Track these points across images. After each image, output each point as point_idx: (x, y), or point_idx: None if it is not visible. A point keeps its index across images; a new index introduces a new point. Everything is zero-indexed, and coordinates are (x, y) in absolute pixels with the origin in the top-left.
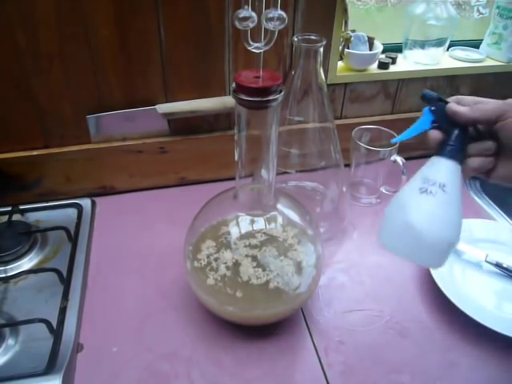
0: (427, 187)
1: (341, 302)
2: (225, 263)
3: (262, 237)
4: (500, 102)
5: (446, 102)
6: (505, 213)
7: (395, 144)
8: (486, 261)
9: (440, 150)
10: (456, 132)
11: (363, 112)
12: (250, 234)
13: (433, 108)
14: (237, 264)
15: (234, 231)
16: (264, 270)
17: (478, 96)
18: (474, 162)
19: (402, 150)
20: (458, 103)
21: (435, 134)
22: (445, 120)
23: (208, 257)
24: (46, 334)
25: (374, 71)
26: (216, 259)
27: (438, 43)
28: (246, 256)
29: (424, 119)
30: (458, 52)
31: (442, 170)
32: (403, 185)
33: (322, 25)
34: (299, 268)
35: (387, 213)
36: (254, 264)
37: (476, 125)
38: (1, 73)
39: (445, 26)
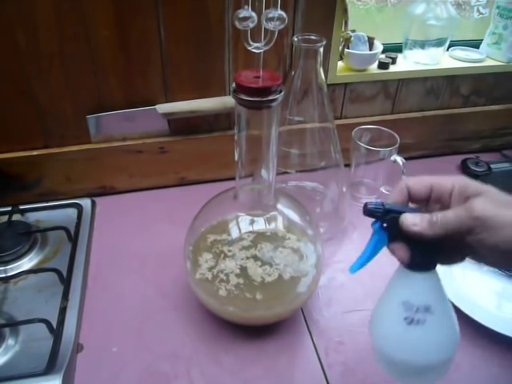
0: (412, 316)
1: (341, 302)
2: (232, 272)
3: (249, 236)
4: (461, 211)
5: (399, 213)
6: None
7: (395, 144)
8: None
9: (410, 263)
10: (421, 244)
11: (363, 112)
12: (239, 238)
13: (385, 224)
14: (243, 269)
15: (227, 235)
16: (271, 265)
17: (477, 96)
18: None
19: (402, 150)
20: (413, 197)
21: (401, 253)
22: (403, 233)
23: (210, 270)
24: (46, 333)
25: (374, 71)
26: (221, 271)
27: (438, 43)
28: (247, 258)
29: (377, 238)
30: (458, 52)
31: (420, 289)
32: None
33: (322, 25)
34: (300, 255)
35: (373, 339)
36: (259, 263)
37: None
38: (1, 73)
39: (445, 26)
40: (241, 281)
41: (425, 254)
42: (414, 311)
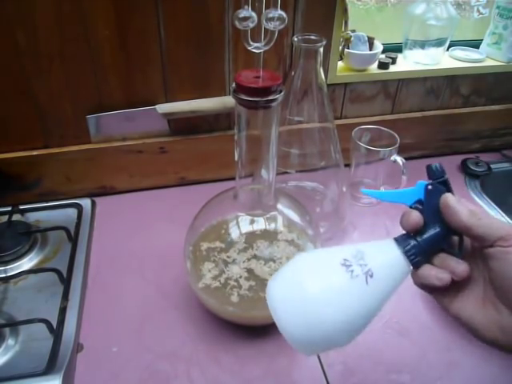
0: (353, 263)
1: None
2: (241, 277)
3: (242, 238)
4: (507, 225)
5: (449, 190)
6: (505, 213)
7: (395, 144)
8: None
9: (401, 237)
10: (434, 230)
11: (363, 112)
12: (232, 243)
13: (430, 187)
14: (250, 271)
15: (220, 242)
16: (274, 261)
17: (477, 96)
18: (430, 275)
19: (402, 150)
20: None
21: (416, 218)
22: (432, 208)
23: (216, 278)
24: (46, 334)
25: (374, 71)
26: (229, 278)
27: (438, 43)
28: (248, 260)
29: (412, 192)
30: (458, 52)
31: (385, 257)
32: (403, 185)
33: (322, 25)
34: (296, 245)
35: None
36: (262, 262)
37: (465, 233)
38: (1, 73)
39: (445, 26)
40: (252, 283)
41: (426, 239)
42: (359, 263)
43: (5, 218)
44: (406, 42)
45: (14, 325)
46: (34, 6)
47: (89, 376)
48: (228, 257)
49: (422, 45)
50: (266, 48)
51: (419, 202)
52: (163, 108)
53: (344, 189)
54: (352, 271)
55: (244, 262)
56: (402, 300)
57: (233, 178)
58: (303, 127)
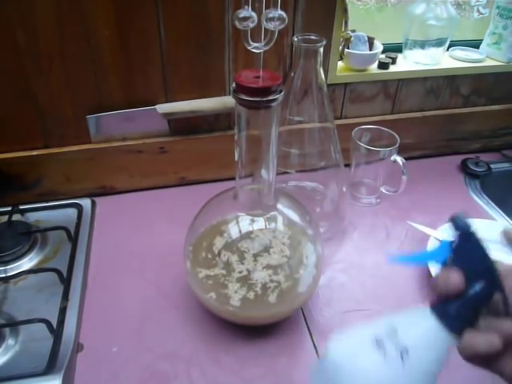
0: (385, 341)
1: (341, 302)
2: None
3: (242, 239)
4: None
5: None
6: (505, 213)
7: (395, 144)
8: None
9: (436, 303)
10: (476, 288)
11: (363, 112)
12: (229, 246)
13: (461, 240)
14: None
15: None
16: (269, 253)
17: (477, 96)
18: (477, 342)
19: (402, 150)
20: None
21: (458, 278)
22: (468, 263)
23: (248, 292)
24: (46, 334)
25: (374, 71)
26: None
27: (438, 43)
28: (249, 260)
29: (439, 250)
30: (458, 52)
31: (420, 330)
32: (403, 185)
33: (322, 25)
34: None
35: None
36: (262, 262)
37: None
38: (1, 73)
39: (445, 26)
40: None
41: (468, 301)
42: (392, 340)
43: (5, 218)
44: (405, 41)
45: (14, 325)
46: (34, 6)
47: (89, 376)
48: (241, 271)
49: (422, 45)
50: (266, 48)
51: (450, 259)
52: (163, 108)
53: (344, 189)
54: (385, 351)
55: (244, 262)
56: (402, 300)
57: (233, 178)
58: (303, 127)
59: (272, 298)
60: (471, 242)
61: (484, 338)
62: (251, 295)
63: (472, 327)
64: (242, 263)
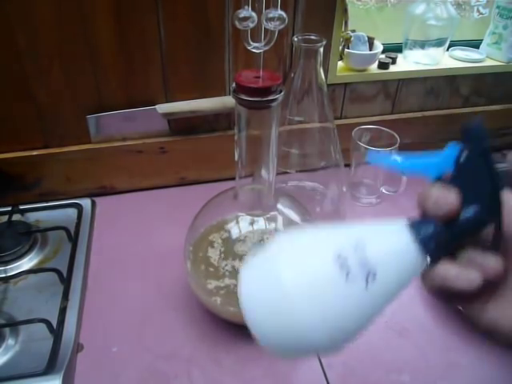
0: (349, 259)
1: None
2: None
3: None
4: None
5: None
6: None
7: (395, 144)
8: None
9: (418, 219)
10: (471, 213)
11: (363, 112)
12: (227, 254)
13: (468, 153)
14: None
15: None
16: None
17: (477, 96)
18: (453, 275)
19: (402, 150)
20: None
21: (455, 199)
22: (470, 182)
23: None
24: (46, 333)
25: (374, 71)
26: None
27: (438, 43)
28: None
29: (439, 161)
30: (458, 52)
31: (393, 251)
32: (403, 185)
33: (321, 25)
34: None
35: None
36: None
37: None
38: (1, 73)
39: (445, 26)
40: None
41: (453, 225)
42: (357, 259)
43: (5, 218)
44: (405, 41)
45: (14, 325)
46: (34, 6)
47: (89, 376)
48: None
49: (422, 45)
50: (266, 48)
51: (447, 173)
52: (163, 108)
53: (344, 189)
54: (348, 272)
55: (241, 256)
56: (401, 300)
57: (233, 178)
58: (303, 127)
59: None
60: (481, 159)
61: (463, 273)
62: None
63: (450, 256)
64: None
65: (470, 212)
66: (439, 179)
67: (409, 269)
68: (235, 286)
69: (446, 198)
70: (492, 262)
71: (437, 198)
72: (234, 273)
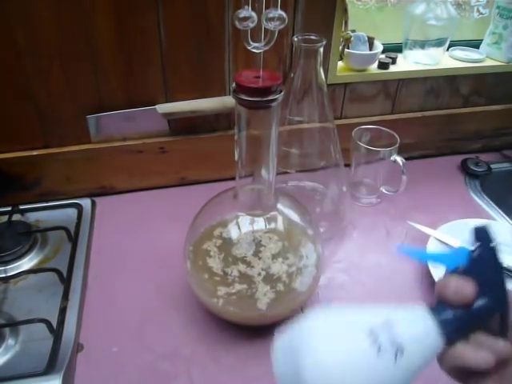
0: (380, 339)
1: (341, 302)
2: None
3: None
4: None
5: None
6: (505, 213)
7: (395, 144)
8: None
9: (437, 305)
10: (482, 303)
11: (363, 112)
12: (231, 257)
13: (479, 252)
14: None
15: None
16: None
17: (477, 96)
18: (471, 355)
19: (402, 150)
20: None
21: (473, 290)
22: (480, 275)
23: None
24: (46, 334)
25: (374, 71)
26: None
27: (438, 43)
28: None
29: (454, 256)
30: (458, 52)
31: (418, 330)
32: (403, 185)
33: (321, 25)
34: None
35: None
36: (262, 262)
37: None
38: (1, 73)
39: (445, 26)
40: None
41: (468, 312)
42: (388, 337)
43: (5, 218)
44: (406, 41)
45: (14, 325)
46: (34, 6)
47: (89, 376)
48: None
49: (422, 45)
50: (266, 48)
51: (460, 267)
52: (163, 108)
53: (344, 189)
54: (380, 347)
55: (253, 264)
56: (402, 300)
57: (233, 178)
58: (303, 127)
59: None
60: (490, 255)
61: (479, 354)
62: (274, 292)
63: (464, 339)
64: (253, 266)
65: (481, 301)
66: (455, 271)
67: (430, 348)
68: (247, 289)
69: (464, 289)
70: (501, 346)
71: (456, 288)
72: (243, 277)
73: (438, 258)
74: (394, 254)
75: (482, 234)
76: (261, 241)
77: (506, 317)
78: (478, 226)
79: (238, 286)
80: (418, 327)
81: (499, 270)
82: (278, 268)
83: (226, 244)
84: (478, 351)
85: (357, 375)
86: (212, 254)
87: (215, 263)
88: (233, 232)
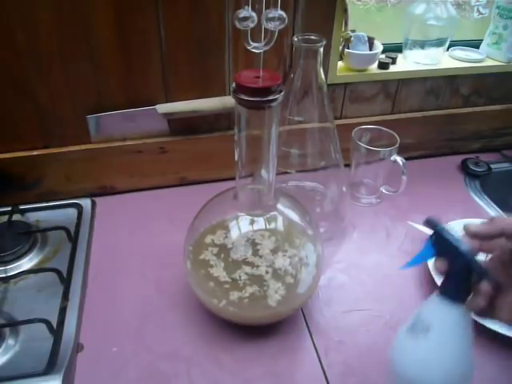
0: (416, 327)
1: (341, 302)
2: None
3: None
4: None
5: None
6: (505, 213)
7: (395, 144)
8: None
9: (441, 287)
10: (457, 266)
11: (363, 112)
12: (233, 263)
13: (433, 237)
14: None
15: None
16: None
17: (477, 96)
18: (478, 302)
19: (402, 150)
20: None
21: (439, 265)
22: (446, 251)
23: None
24: (46, 334)
25: (374, 71)
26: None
27: (438, 43)
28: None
29: (426, 249)
30: (458, 52)
31: (431, 309)
32: (403, 185)
33: (321, 25)
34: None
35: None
36: (262, 262)
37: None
38: (1, 73)
39: (445, 26)
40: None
41: (455, 278)
42: (419, 324)
43: (5, 218)
44: (406, 41)
45: (14, 325)
46: (34, 6)
47: (89, 376)
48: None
49: (422, 45)
50: (266, 48)
51: (437, 251)
52: (163, 108)
53: (344, 189)
54: (416, 334)
55: (257, 263)
56: (402, 300)
57: (233, 178)
58: (303, 127)
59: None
60: (442, 235)
61: (477, 298)
62: (283, 288)
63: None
64: (258, 265)
65: (457, 264)
66: (435, 255)
67: (450, 314)
68: (259, 290)
69: (438, 266)
70: (484, 285)
71: (439, 268)
72: (253, 278)
73: (423, 256)
74: (394, 253)
75: (431, 224)
76: (255, 239)
77: (477, 269)
78: (428, 219)
79: (249, 289)
80: (430, 306)
81: (454, 242)
82: (282, 261)
83: (223, 250)
84: (477, 297)
85: (417, 362)
86: (212, 263)
87: (219, 272)
88: (227, 236)
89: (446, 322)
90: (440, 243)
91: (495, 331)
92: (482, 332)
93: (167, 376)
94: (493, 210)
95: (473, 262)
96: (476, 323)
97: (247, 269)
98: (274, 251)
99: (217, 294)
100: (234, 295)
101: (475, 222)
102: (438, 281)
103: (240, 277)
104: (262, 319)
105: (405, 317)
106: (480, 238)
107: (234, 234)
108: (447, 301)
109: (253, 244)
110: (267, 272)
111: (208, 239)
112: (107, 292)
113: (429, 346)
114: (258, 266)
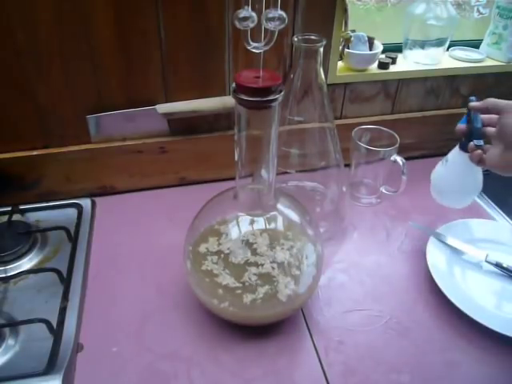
0: (444, 161)
1: (341, 302)
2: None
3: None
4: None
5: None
6: (505, 213)
7: (395, 144)
8: (486, 261)
9: (460, 143)
10: (468, 130)
11: (363, 112)
12: (234, 270)
13: (468, 113)
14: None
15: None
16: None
17: (477, 96)
18: (476, 152)
19: (402, 150)
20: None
21: (459, 127)
22: (471, 121)
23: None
24: (46, 334)
25: (374, 71)
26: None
27: (438, 43)
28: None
29: (464, 119)
30: (458, 52)
31: (451, 152)
32: (403, 185)
33: (321, 25)
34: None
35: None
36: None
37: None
38: (1, 73)
39: (445, 26)
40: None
41: (466, 138)
42: (445, 159)
43: (5, 218)
44: (406, 41)
45: (14, 325)
46: (34, 6)
47: (89, 376)
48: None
49: (422, 45)
50: (266, 48)
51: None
52: (163, 108)
53: (344, 189)
54: (441, 163)
55: (261, 261)
56: (401, 300)
57: (233, 178)
58: (303, 127)
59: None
60: (469, 113)
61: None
62: (293, 283)
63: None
64: (262, 264)
65: (476, 127)
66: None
67: (461, 156)
68: (271, 288)
69: (457, 128)
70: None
71: (460, 130)
72: (262, 277)
73: (461, 122)
74: (394, 253)
75: (469, 102)
76: (248, 240)
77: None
78: (469, 98)
79: (261, 289)
80: (453, 152)
81: (472, 116)
82: (282, 254)
83: (221, 257)
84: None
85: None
86: (216, 272)
87: (227, 279)
88: (220, 243)
89: (458, 159)
90: (468, 116)
91: (495, 331)
92: (482, 332)
93: (167, 376)
94: (493, 210)
95: (476, 128)
96: (478, 324)
97: (253, 269)
98: (272, 247)
99: (227, 299)
100: (248, 297)
101: (475, 222)
102: (439, 281)
103: (250, 279)
104: (265, 319)
105: (405, 317)
106: (476, 110)
107: (229, 238)
108: (462, 150)
109: (248, 244)
110: (273, 268)
111: (202, 248)
112: (107, 292)
113: (445, 171)
114: (262, 265)
